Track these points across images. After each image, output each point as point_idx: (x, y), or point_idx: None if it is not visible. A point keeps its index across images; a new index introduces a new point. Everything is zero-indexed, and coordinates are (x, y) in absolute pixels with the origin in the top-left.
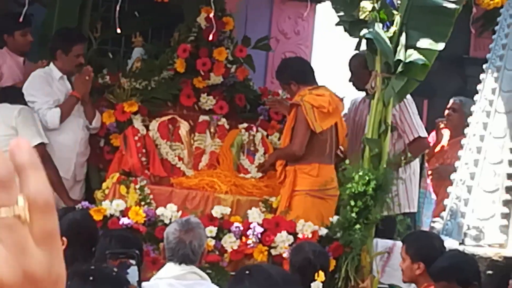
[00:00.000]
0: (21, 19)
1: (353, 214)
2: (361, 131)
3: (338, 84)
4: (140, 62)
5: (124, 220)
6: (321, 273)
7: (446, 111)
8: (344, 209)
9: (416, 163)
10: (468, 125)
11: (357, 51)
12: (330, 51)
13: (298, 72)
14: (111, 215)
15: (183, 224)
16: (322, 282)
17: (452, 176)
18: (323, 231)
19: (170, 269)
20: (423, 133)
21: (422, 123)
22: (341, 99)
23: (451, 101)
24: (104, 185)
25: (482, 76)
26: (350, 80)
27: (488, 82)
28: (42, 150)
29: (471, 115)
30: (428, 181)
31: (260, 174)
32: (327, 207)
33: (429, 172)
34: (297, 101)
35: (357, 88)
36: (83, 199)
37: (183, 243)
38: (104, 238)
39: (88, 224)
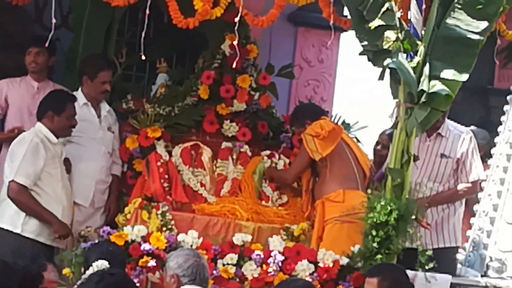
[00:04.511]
0: (46, 44)
1: (375, 244)
2: None
3: (361, 112)
4: (164, 88)
5: (145, 246)
6: None
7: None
8: (366, 238)
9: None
10: (491, 156)
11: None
12: (354, 80)
13: (311, 111)
14: (133, 241)
15: (191, 251)
16: None
17: (475, 207)
18: (344, 261)
19: None
20: (483, 176)
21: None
22: (337, 124)
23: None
24: (126, 209)
25: (506, 107)
26: None
27: None
28: (15, 187)
29: (486, 145)
30: None
31: (280, 201)
32: (358, 230)
33: None
34: (300, 136)
35: None
36: (106, 225)
37: (203, 266)
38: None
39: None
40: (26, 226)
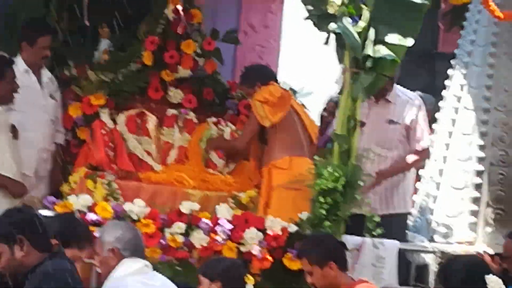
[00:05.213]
0: None
1: (323, 211)
2: None
3: (307, 77)
4: (106, 54)
5: (92, 216)
6: (250, 277)
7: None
8: (314, 205)
9: None
10: (436, 121)
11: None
12: (299, 45)
13: (263, 73)
14: (78, 211)
15: (126, 223)
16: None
17: (421, 172)
18: (293, 228)
19: (132, 264)
20: (429, 142)
21: None
22: (286, 90)
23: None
24: (71, 179)
25: (450, 72)
26: None
27: (456, 78)
28: None
29: (432, 110)
30: None
31: (228, 169)
32: (304, 198)
33: None
34: (247, 101)
35: None
36: (50, 195)
37: (140, 238)
38: None
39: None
40: None
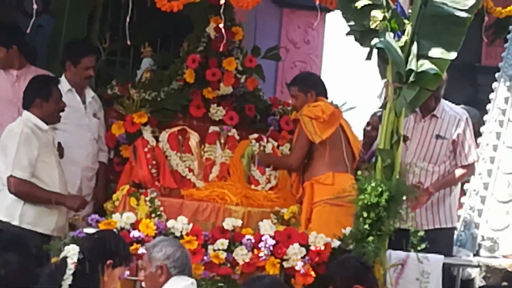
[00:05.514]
0: (28, 30)
1: (366, 226)
2: None
3: (349, 93)
4: (149, 73)
5: (135, 233)
6: None
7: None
8: (357, 220)
9: None
10: (480, 134)
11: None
12: (341, 60)
13: (321, 85)
14: (122, 228)
15: (175, 241)
16: None
17: (466, 187)
18: (336, 243)
19: (180, 282)
20: (477, 157)
21: None
22: (336, 107)
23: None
24: (114, 196)
25: (494, 85)
26: None
27: (500, 91)
28: (15, 182)
29: (476, 123)
30: None
31: (270, 185)
32: (347, 214)
33: None
34: (297, 116)
35: None
36: (93, 213)
37: (188, 257)
38: None
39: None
40: (24, 217)
